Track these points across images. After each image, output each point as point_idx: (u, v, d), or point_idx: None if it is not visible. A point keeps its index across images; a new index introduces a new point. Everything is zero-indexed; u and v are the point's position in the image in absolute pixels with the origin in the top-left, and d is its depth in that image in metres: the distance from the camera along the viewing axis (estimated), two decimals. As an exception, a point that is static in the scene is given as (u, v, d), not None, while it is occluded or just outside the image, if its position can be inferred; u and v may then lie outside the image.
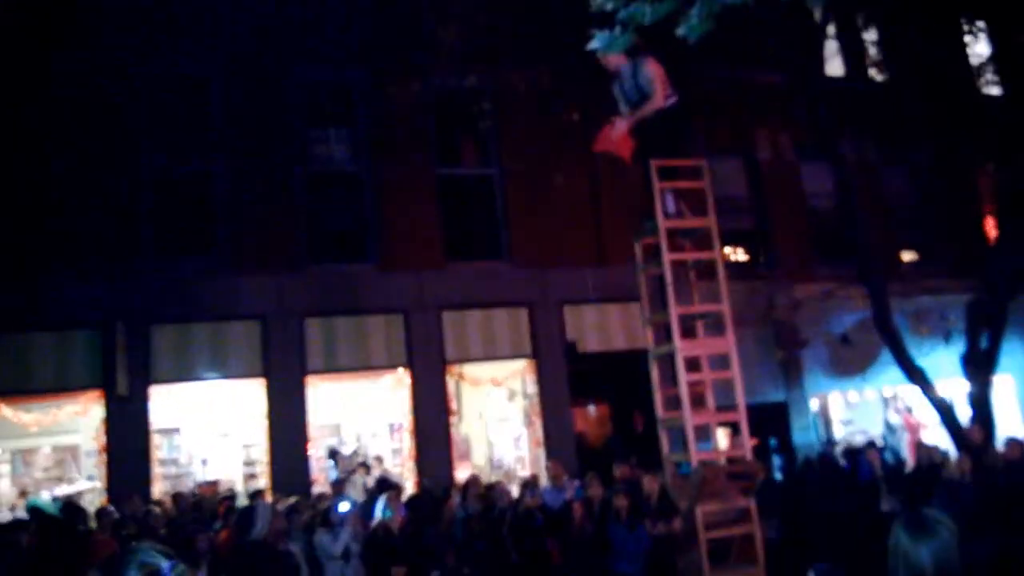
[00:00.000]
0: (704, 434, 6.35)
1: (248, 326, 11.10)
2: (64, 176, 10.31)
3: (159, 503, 9.59)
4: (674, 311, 6.14)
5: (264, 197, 11.25)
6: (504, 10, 11.32)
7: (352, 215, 12.04)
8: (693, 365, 6.25)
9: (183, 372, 10.79)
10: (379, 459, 12.19)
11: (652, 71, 6.37)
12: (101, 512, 8.52)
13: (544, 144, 12.36)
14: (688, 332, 6.37)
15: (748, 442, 6.22)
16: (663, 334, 6.49)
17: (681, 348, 6.11)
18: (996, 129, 12.22)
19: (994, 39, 14.03)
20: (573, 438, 12.19)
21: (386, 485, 9.50)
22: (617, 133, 6.47)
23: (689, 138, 6.87)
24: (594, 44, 4.90)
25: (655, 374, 6.54)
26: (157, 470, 10.89)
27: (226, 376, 11.00)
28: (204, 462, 11.89)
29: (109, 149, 10.57)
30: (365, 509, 8.65)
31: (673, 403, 6.31)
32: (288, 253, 11.27)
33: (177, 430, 11.87)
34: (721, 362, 6.37)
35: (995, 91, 14.35)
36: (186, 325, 10.81)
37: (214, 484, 10.54)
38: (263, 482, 10.95)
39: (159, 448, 11.15)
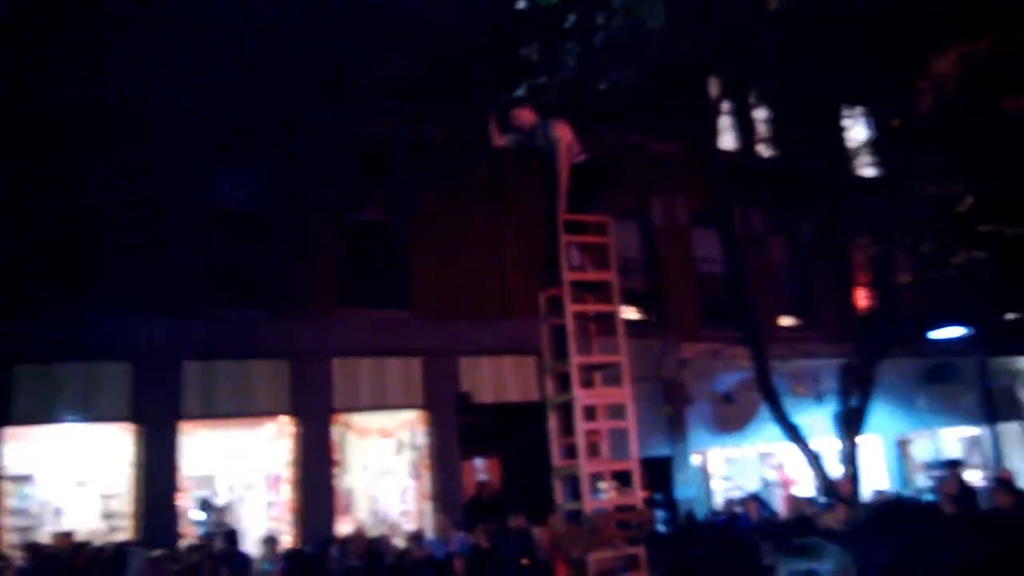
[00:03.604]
0: (597, 483, 6.35)
1: (119, 367, 10.44)
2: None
3: (5, 557, 8.71)
4: (574, 360, 6.18)
5: (150, 232, 10.67)
6: (423, 61, 11.36)
7: (248, 257, 11.57)
8: (590, 414, 6.27)
9: (42, 414, 10.04)
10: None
11: (559, 131, 6.55)
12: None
13: (452, 196, 12.32)
14: (586, 383, 6.40)
15: (639, 492, 6.24)
16: (561, 384, 6.49)
17: (580, 397, 6.14)
18: (870, 207, 13.02)
19: (871, 124, 15.11)
20: (462, 490, 11.92)
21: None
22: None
23: (595, 196, 7.01)
24: (519, 92, 5.10)
25: (552, 423, 6.51)
26: (6, 520, 9.93)
27: (91, 420, 10.30)
28: (57, 512, 10.90)
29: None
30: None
31: (568, 452, 6.29)
32: (171, 293, 10.66)
33: (30, 477, 10.86)
34: (616, 413, 6.42)
35: (869, 172, 15.37)
36: (50, 365, 10.06)
37: (68, 535, 9.66)
38: (123, 536, 10.15)
39: (9, 496, 10.18)
